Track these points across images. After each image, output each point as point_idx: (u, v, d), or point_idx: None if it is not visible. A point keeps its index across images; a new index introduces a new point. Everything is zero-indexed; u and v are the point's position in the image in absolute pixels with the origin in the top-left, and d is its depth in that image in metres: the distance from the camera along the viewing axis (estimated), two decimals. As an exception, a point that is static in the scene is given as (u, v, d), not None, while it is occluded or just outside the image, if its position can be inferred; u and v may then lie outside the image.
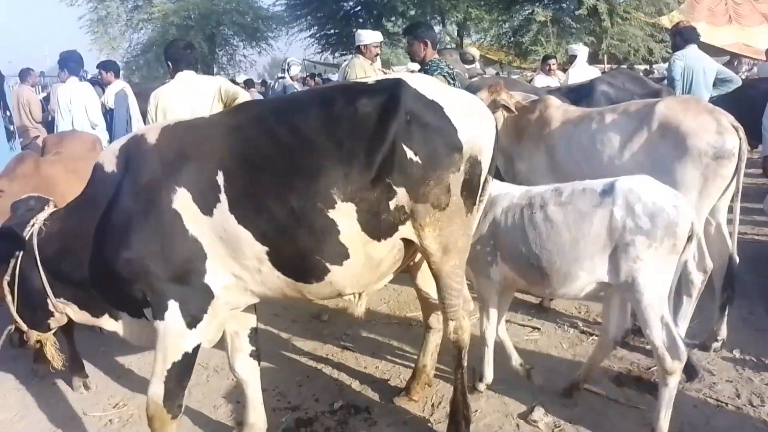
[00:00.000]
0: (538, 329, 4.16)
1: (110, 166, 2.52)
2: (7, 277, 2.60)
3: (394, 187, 2.39)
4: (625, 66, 14.06)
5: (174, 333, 2.43)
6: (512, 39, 18.53)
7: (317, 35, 22.97)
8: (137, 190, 2.41)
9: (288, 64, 10.20)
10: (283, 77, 10.04)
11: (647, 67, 17.36)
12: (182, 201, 2.37)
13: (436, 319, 3.19)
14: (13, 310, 2.65)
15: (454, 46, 16.79)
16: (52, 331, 2.83)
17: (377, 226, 2.44)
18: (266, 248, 2.39)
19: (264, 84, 15.92)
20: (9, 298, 2.62)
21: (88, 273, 2.52)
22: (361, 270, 2.52)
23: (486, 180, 2.65)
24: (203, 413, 3.32)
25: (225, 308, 2.56)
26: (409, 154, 2.37)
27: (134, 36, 21.72)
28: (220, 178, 2.37)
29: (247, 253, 2.40)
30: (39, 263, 2.57)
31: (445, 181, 2.43)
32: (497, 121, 4.44)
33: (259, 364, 2.98)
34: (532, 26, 17.00)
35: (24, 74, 8.70)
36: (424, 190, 2.41)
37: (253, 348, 2.94)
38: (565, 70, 9.15)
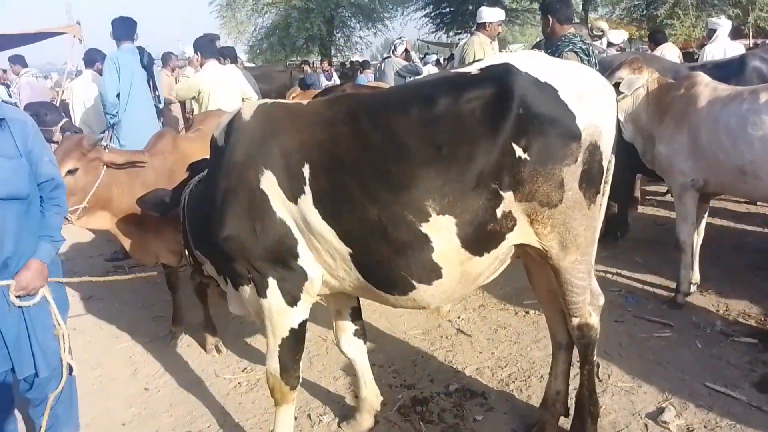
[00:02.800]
0: (670, 326, 3.87)
1: (219, 140, 2.54)
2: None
3: (501, 192, 2.17)
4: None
5: (277, 310, 2.48)
6: (645, 12, 17.17)
7: (432, 14, 22.78)
8: (231, 167, 2.40)
9: (394, 45, 10.33)
10: (389, 57, 10.16)
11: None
12: (269, 182, 2.33)
13: (563, 332, 2.74)
14: (185, 251, 2.99)
15: (578, 21, 15.87)
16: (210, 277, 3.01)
17: (481, 240, 2.22)
18: (350, 250, 2.30)
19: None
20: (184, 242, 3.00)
21: (206, 238, 2.62)
22: (454, 287, 2.35)
23: (610, 162, 2.38)
24: (322, 385, 3.45)
25: (322, 290, 2.55)
26: (518, 152, 2.13)
27: (259, 20, 22.70)
28: (305, 171, 2.28)
29: (330, 249, 2.34)
30: (185, 219, 2.85)
31: (557, 176, 2.17)
32: (637, 99, 4.16)
33: (365, 342, 2.99)
34: (668, -3, 15.67)
35: (165, 58, 9.30)
36: (530, 188, 2.17)
37: (357, 327, 2.94)
38: (702, 46, 8.36)
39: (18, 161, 2.30)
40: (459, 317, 4.17)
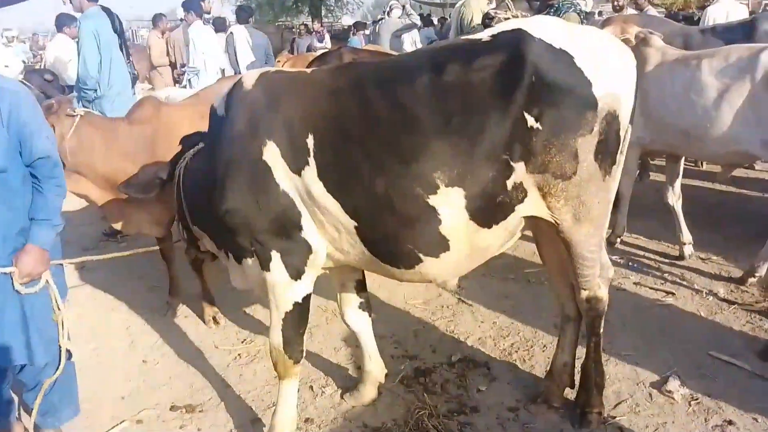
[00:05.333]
0: (673, 294, 3.85)
1: (219, 110, 2.47)
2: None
3: (512, 163, 2.09)
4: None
5: (281, 284, 2.42)
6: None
7: (427, -28, 22.23)
8: (232, 138, 2.33)
9: (390, 7, 10.21)
10: (383, 19, 10.05)
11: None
12: (272, 154, 2.26)
13: (572, 305, 2.70)
14: (179, 227, 2.95)
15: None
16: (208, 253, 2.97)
17: (489, 212, 2.16)
18: (355, 223, 2.24)
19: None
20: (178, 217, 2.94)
21: (206, 213, 2.55)
22: (462, 261, 2.30)
23: (627, 131, 2.27)
24: (324, 356, 3.41)
25: (326, 263, 2.50)
26: (531, 121, 2.05)
27: (248, -20, 22.10)
28: (310, 142, 2.21)
29: (335, 222, 2.28)
30: (181, 193, 2.75)
31: (571, 146, 2.09)
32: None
33: (370, 315, 2.95)
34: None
35: (156, 19, 9.01)
36: (543, 160, 2.09)
37: (362, 300, 2.90)
38: (703, 7, 8.18)
39: None
40: (459, 286, 4.13)
